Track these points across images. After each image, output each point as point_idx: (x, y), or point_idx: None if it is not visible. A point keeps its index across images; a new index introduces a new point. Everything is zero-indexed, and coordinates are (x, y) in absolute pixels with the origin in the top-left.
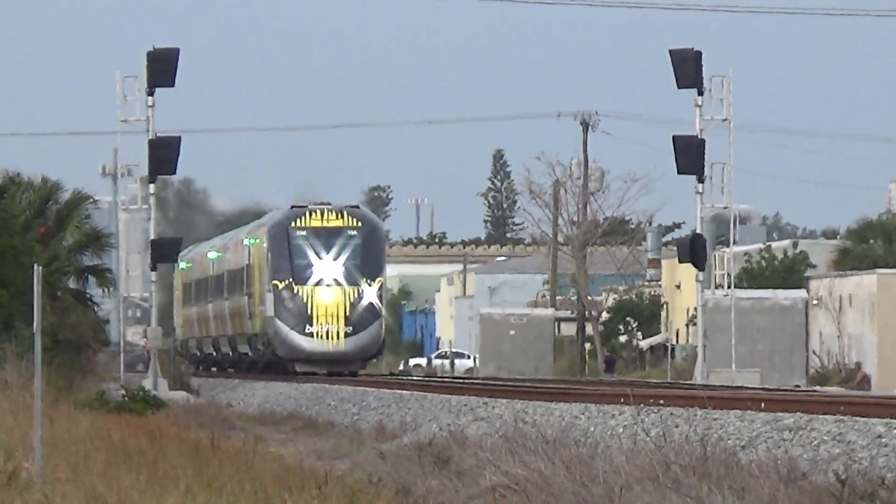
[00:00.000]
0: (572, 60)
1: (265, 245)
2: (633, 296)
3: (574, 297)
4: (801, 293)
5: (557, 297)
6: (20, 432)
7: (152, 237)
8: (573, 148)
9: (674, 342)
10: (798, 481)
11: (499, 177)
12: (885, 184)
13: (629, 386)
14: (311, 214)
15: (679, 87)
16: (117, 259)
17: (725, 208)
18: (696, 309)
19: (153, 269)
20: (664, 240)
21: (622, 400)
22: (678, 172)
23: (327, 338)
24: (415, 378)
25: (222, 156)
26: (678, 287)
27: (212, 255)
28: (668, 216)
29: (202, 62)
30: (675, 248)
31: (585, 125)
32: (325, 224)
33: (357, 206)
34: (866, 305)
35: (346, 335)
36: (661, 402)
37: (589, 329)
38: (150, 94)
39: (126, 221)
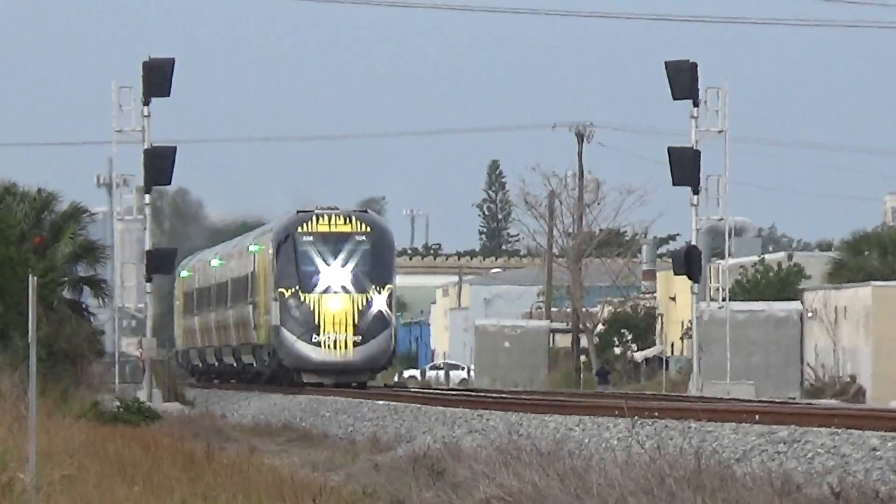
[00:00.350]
0: (567, 72)
1: (270, 251)
2: (628, 308)
3: (569, 309)
4: (796, 305)
5: (552, 309)
6: (15, 443)
7: (148, 248)
8: (568, 159)
9: (669, 354)
10: (792, 494)
11: (494, 188)
12: (880, 196)
13: (624, 398)
14: (318, 219)
15: (675, 99)
16: (112, 270)
17: (721, 220)
18: (690, 321)
19: (148, 279)
20: (659, 252)
21: (617, 412)
22: (673, 184)
23: (335, 347)
24: (411, 389)
25: (217, 166)
26: (673, 299)
27: (214, 263)
28: (663, 228)
29: (198, 72)
30: (671, 260)
31: (581, 136)
32: (333, 229)
33: (366, 211)
34: (861, 318)
35: (355, 344)
36: (656, 414)
37: (584, 341)
38: (146, 103)
39: (121, 232)
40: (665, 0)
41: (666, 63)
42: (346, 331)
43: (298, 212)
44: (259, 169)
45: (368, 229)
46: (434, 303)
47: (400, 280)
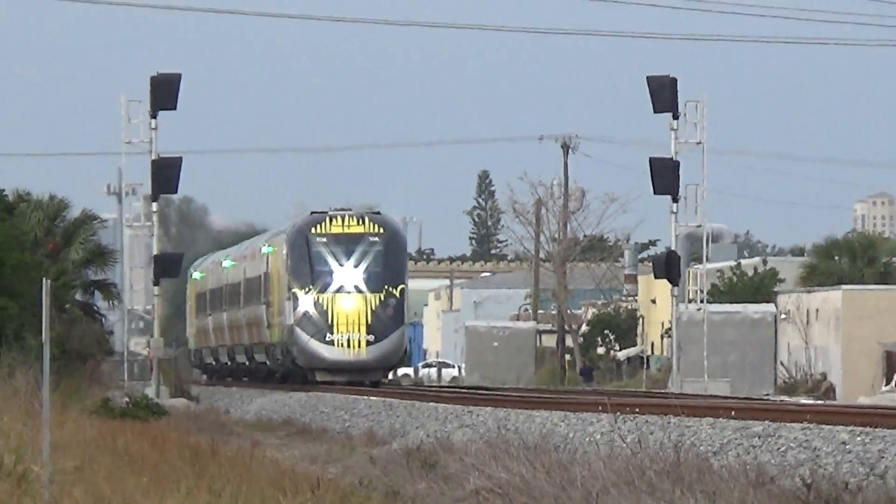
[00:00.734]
0: (554, 86)
1: (284, 252)
2: (611, 309)
3: (555, 311)
4: (770, 308)
5: (539, 311)
6: (29, 437)
7: (155, 253)
8: (554, 169)
9: (649, 353)
10: (766, 485)
11: (484, 196)
12: (850, 204)
13: (606, 395)
14: (331, 220)
15: (655, 112)
16: (121, 273)
17: (699, 227)
18: (670, 322)
19: (156, 283)
20: (640, 257)
21: (600, 408)
22: (654, 193)
23: (348, 346)
24: (404, 386)
25: (221, 175)
26: (654, 301)
27: (226, 264)
28: (644, 234)
29: (203, 86)
30: (651, 265)
31: (566, 147)
32: (346, 230)
33: (378, 212)
34: (832, 319)
35: (368, 343)
36: (637, 410)
37: (569, 341)
38: (154, 116)
39: (130, 238)
40: (647, 19)
41: (647, 78)
42: (359, 330)
43: (312, 213)
44: (261, 178)
45: (381, 230)
46: (427, 305)
47: None
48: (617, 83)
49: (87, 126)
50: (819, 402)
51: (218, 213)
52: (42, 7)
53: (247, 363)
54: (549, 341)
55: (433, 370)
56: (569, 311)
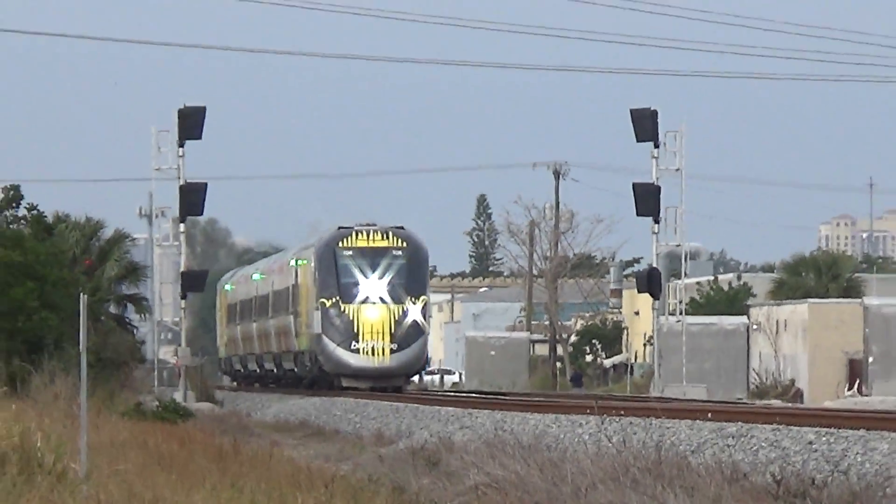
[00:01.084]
0: (546, 118)
1: (312, 265)
2: (598, 321)
3: (547, 322)
4: (743, 319)
5: (532, 322)
6: (68, 437)
7: (182, 269)
8: (546, 193)
9: (633, 361)
10: (740, 481)
11: (482, 218)
12: (815, 225)
13: (594, 399)
14: (357, 235)
15: (638, 141)
16: (152, 288)
17: (678, 246)
18: (652, 332)
19: (183, 297)
20: (625, 273)
21: (588, 411)
22: (637, 214)
23: (373, 354)
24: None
25: (243, 199)
26: (637, 314)
27: (255, 277)
28: (628, 252)
29: (227, 117)
30: (635, 280)
31: (557, 174)
32: (371, 244)
33: (402, 227)
34: (799, 330)
35: (392, 351)
36: (622, 412)
37: (559, 350)
38: (181, 145)
39: (160, 256)
40: (630, 56)
41: (631, 111)
42: (383, 339)
43: (339, 228)
44: (278, 201)
45: (404, 244)
46: (431, 317)
47: None
48: (603, 115)
49: (120, 154)
50: (788, 405)
51: (240, 233)
52: (79, 45)
53: (275, 370)
54: (542, 350)
55: (436, 377)
56: (559, 323)
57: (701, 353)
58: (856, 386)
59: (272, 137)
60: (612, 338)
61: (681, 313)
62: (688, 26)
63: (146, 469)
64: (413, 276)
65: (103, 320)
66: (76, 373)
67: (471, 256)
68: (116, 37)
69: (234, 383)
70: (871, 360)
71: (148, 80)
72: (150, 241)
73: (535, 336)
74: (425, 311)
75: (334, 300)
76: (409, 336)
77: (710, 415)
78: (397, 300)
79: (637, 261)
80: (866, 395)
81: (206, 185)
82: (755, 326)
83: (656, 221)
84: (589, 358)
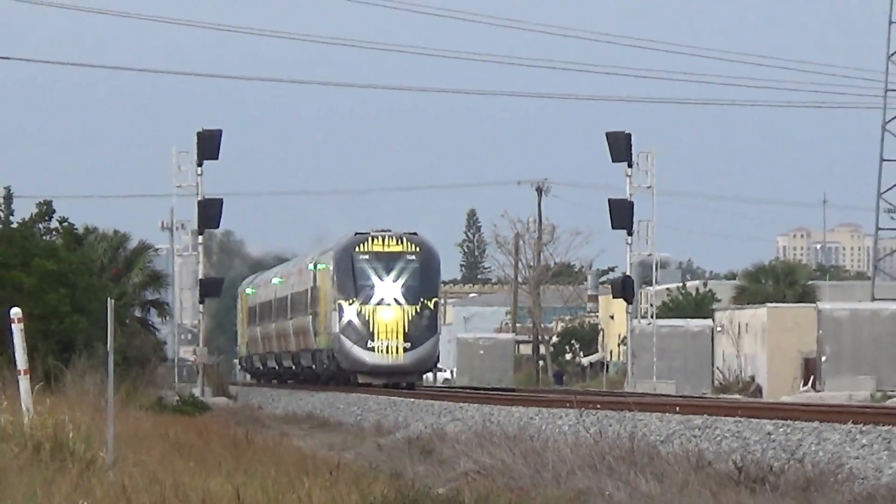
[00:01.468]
0: (530, 140)
1: (331, 268)
2: (577, 324)
3: (530, 325)
4: (708, 322)
5: (517, 325)
6: (96, 429)
7: (200, 277)
8: (530, 208)
9: (608, 360)
10: (705, 469)
11: (472, 231)
12: (773, 236)
13: (573, 394)
14: (373, 240)
15: (613, 161)
16: (173, 294)
17: (649, 255)
18: (626, 334)
19: (201, 301)
20: (601, 280)
21: (568, 405)
22: (612, 227)
23: (387, 352)
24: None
25: (255, 212)
26: (612, 317)
27: (275, 280)
28: (604, 262)
29: (241, 138)
30: (610, 287)
31: (540, 191)
32: (386, 249)
33: (415, 233)
34: (759, 332)
35: (405, 350)
36: (599, 406)
37: (542, 349)
38: (199, 165)
39: (180, 265)
40: (606, 85)
41: (607, 134)
42: (397, 338)
43: (356, 233)
44: (287, 214)
45: (417, 249)
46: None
47: None
48: (582, 138)
49: (144, 172)
50: (748, 399)
51: (252, 244)
52: (105, 75)
53: (293, 367)
54: (526, 350)
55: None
56: (542, 325)
57: (670, 353)
58: (810, 382)
59: (282, 158)
60: (589, 339)
61: (652, 316)
62: (658, 58)
63: (167, 457)
64: (425, 279)
65: (129, 323)
66: (104, 370)
67: (461, 266)
68: (145, 67)
69: (254, 380)
70: (823, 359)
71: (171, 106)
72: (170, 252)
73: (520, 337)
74: (437, 312)
75: (351, 301)
76: (421, 335)
77: (678, 408)
78: (411, 301)
79: (612, 269)
80: (819, 391)
81: (221, 200)
82: (719, 329)
83: (629, 234)
84: (568, 357)
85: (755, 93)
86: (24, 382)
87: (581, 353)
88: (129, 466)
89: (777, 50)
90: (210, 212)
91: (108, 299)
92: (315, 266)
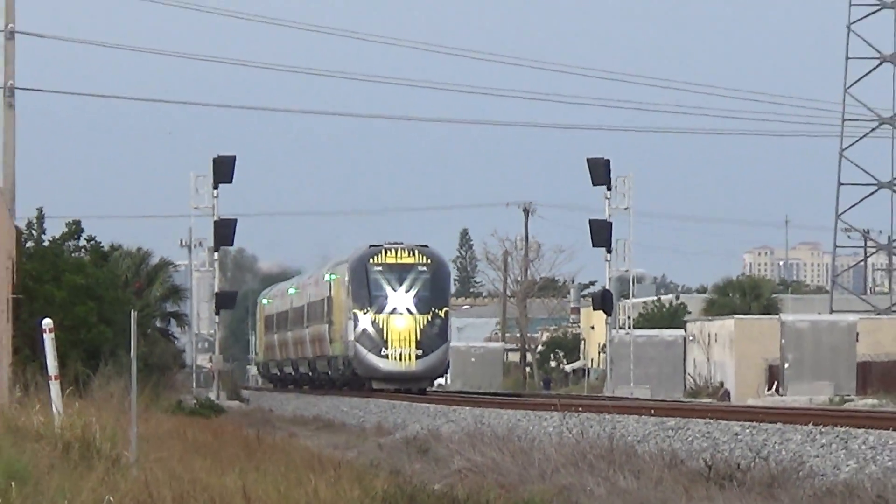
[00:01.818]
0: (519, 164)
1: (346, 279)
2: (561, 333)
3: (518, 334)
4: (681, 332)
5: (506, 334)
6: (121, 430)
7: (216, 291)
8: (518, 228)
9: (589, 367)
10: (678, 466)
11: (464, 248)
12: (740, 254)
13: (557, 398)
14: (386, 252)
15: (594, 185)
16: (191, 306)
17: (626, 271)
18: (605, 343)
19: (217, 313)
20: (582, 293)
21: (552, 408)
22: (593, 246)
23: (400, 359)
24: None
25: (266, 231)
26: (592, 327)
27: (291, 291)
28: (585, 277)
29: (254, 163)
30: (591, 300)
31: (527, 212)
32: (399, 261)
33: (426, 246)
34: (727, 341)
35: (417, 357)
36: (580, 409)
37: (528, 357)
38: (215, 188)
39: (197, 279)
40: (588, 115)
41: (588, 160)
42: (409, 345)
43: (370, 246)
44: (294, 233)
45: (429, 261)
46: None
47: None
48: (565, 163)
49: (165, 195)
50: (717, 403)
51: (264, 260)
52: (129, 106)
53: (309, 373)
54: (514, 357)
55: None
56: (528, 335)
57: (645, 360)
58: (774, 387)
59: (289, 182)
60: (572, 347)
61: (629, 327)
62: (636, 90)
63: (185, 455)
64: (436, 290)
65: (150, 333)
66: (127, 376)
67: (455, 280)
68: (166, 98)
69: (270, 385)
70: (786, 365)
71: (190, 134)
72: (189, 267)
73: (509, 346)
74: (447, 321)
75: (366, 310)
76: (432, 343)
77: (653, 411)
78: (422, 311)
79: (592, 283)
80: (782, 395)
81: (235, 220)
82: (691, 338)
83: (608, 251)
84: (553, 364)
85: (724, 122)
86: (55, 387)
87: (564, 361)
88: (151, 464)
89: (745, 83)
90: (225, 231)
91: (132, 311)
92: (331, 277)
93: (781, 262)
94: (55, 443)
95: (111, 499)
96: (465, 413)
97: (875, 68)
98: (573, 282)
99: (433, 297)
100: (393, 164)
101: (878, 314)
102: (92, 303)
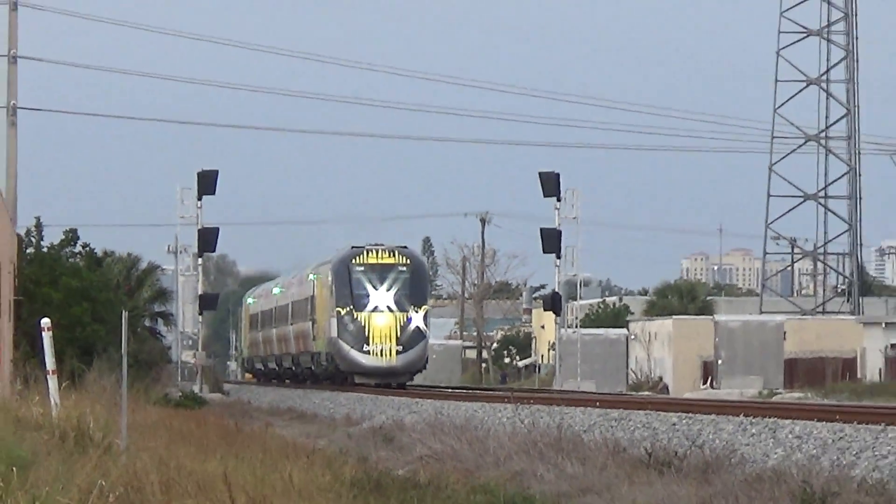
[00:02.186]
0: (476, 177)
1: (329, 279)
2: (514, 332)
3: (475, 333)
4: (624, 331)
5: (464, 333)
6: (112, 420)
7: (199, 293)
8: (475, 236)
9: (540, 362)
10: (621, 454)
11: (426, 254)
12: (678, 259)
13: (510, 391)
14: (368, 253)
15: (545, 196)
16: (177, 307)
17: (574, 275)
18: (555, 341)
19: (200, 313)
20: (534, 296)
21: (506, 400)
22: (543, 252)
23: (381, 355)
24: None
25: (246, 238)
26: (543, 327)
27: (276, 291)
28: (536, 280)
29: (235, 176)
30: (542, 301)
31: (483, 221)
32: (380, 261)
33: (406, 247)
34: (666, 339)
35: (397, 353)
36: (532, 401)
37: (484, 354)
38: (199, 199)
39: (182, 282)
40: (541, 131)
41: (539, 173)
42: (390, 342)
43: (353, 247)
44: (269, 241)
45: (408, 261)
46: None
47: None
48: (519, 176)
49: (153, 205)
50: (657, 396)
51: (243, 264)
52: (121, 122)
53: (293, 368)
54: (471, 354)
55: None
56: (484, 334)
57: (591, 357)
58: (708, 381)
59: (267, 192)
60: (524, 345)
61: (576, 326)
62: (585, 109)
63: (171, 443)
64: (415, 288)
65: (139, 331)
66: (119, 371)
67: None
68: (156, 117)
69: (254, 379)
70: (720, 362)
71: (177, 148)
72: (175, 272)
73: (466, 344)
74: (426, 318)
75: (348, 309)
76: (412, 339)
77: (598, 403)
78: (402, 309)
79: (543, 286)
80: (716, 389)
81: (218, 229)
82: (633, 337)
83: (558, 257)
84: (507, 360)
85: (665, 139)
86: (52, 381)
87: (517, 357)
88: (140, 451)
89: (684, 104)
90: (208, 238)
91: (123, 311)
92: (315, 277)
93: (716, 267)
94: (53, 432)
95: (103, 483)
96: (426, 405)
97: (802, 90)
98: (525, 285)
99: (412, 295)
100: (361, 178)
101: (803, 315)
102: (86, 304)
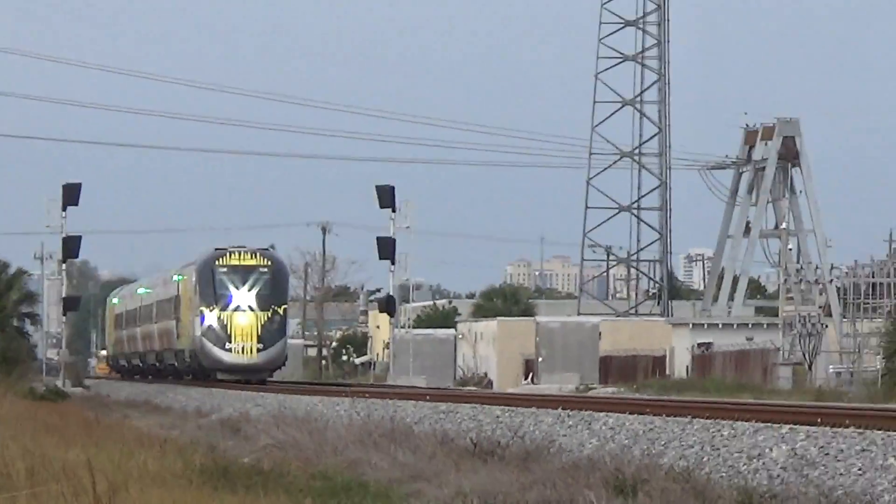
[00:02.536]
0: (318, 190)
1: (194, 279)
2: (352, 332)
3: (315, 333)
4: (452, 331)
5: (305, 333)
6: None
7: (63, 296)
8: (316, 243)
9: (375, 360)
10: (448, 444)
11: None
12: (503, 265)
13: (348, 386)
14: (230, 255)
15: (381, 208)
16: (42, 308)
17: (407, 280)
18: (389, 340)
19: (64, 314)
20: (370, 299)
21: (344, 394)
22: (379, 258)
23: (243, 352)
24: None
25: (106, 245)
26: (378, 327)
27: (141, 291)
28: (373, 284)
29: (98, 188)
30: (377, 304)
31: (324, 230)
32: (242, 262)
33: (267, 249)
34: (491, 339)
35: (258, 350)
36: (367, 395)
37: (324, 352)
38: (64, 209)
39: (48, 286)
40: (378, 148)
41: (376, 186)
42: (251, 340)
43: (216, 249)
44: (130, 248)
45: (269, 263)
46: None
47: None
48: (357, 189)
49: (21, 215)
50: (482, 391)
51: (104, 269)
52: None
53: (157, 365)
54: (312, 352)
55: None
56: (325, 333)
57: (423, 355)
58: (530, 377)
59: (124, 204)
60: (361, 344)
61: (409, 327)
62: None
63: (36, 434)
64: (276, 289)
65: (7, 331)
66: None
67: None
68: (23, 134)
69: (119, 375)
70: (540, 359)
71: (45, 164)
72: (41, 276)
73: (308, 342)
74: (285, 318)
75: (212, 308)
76: (272, 337)
77: (428, 397)
78: (263, 308)
79: (379, 290)
80: (537, 384)
81: (80, 237)
82: (461, 336)
83: (392, 263)
84: (345, 358)
85: (491, 155)
86: None
87: (355, 355)
88: (7, 440)
89: (508, 122)
90: (71, 246)
91: None
92: (179, 277)
93: (537, 273)
94: None
95: None
96: (270, 398)
97: (617, 111)
98: (363, 289)
99: (273, 295)
100: (212, 190)
101: (617, 316)
102: None
